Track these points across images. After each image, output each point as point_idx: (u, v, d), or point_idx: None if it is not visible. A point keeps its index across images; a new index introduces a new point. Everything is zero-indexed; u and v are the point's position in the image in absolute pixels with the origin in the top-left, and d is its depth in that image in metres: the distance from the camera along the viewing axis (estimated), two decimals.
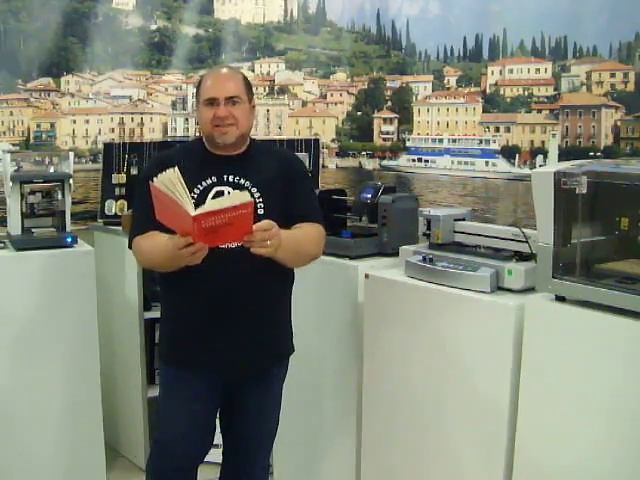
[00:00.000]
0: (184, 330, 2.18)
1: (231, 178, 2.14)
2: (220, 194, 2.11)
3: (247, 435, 2.31)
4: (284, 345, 2.30)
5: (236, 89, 2.12)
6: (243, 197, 1.81)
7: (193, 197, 2.03)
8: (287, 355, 2.32)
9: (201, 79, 2.20)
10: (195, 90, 2.22)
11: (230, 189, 2.11)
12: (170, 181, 1.80)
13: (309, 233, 2.17)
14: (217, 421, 2.36)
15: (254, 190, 2.12)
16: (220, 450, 2.42)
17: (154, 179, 1.83)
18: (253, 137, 2.27)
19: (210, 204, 1.84)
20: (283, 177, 2.17)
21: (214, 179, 2.13)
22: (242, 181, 2.14)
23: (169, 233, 1.94)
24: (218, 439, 2.40)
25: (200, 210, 1.80)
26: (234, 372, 2.19)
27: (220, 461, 2.46)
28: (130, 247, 2.19)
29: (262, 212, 2.10)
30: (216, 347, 2.14)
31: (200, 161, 2.16)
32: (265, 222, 1.93)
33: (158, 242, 2.01)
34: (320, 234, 2.23)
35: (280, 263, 2.09)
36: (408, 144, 4.75)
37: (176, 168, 1.82)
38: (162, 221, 1.93)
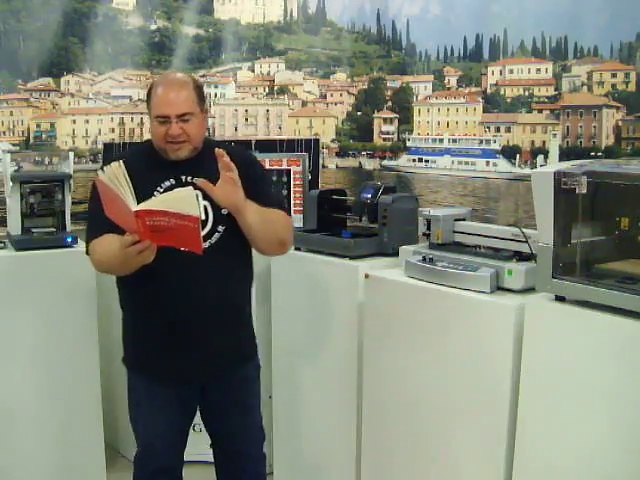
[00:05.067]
0: (148, 340, 2.16)
1: (190, 179, 2.10)
2: None
3: (232, 435, 2.30)
4: (248, 345, 2.30)
5: (188, 105, 2.07)
6: (190, 205, 1.75)
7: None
8: (253, 354, 2.31)
9: (151, 87, 2.13)
10: (146, 97, 2.16)
11: None
12: (114, 175, 1.77)
13: (277, 213, 2.16)
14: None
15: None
16: None
17: (98, 172, 1.80)
18: (206, 137, 2.23)
19: (152, 201, 1.79)
20: (245, 178, 2.12)
21: (172, 181, 2.10)
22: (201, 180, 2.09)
23: (122, 235, 1.89)
24: None
25: (142, 206, 1.76)
26: (199, 379, 2.18)
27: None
28: (87, 253, 2.14)
29: (226, 212, 2.09)
30: (182, 357, 2.12)
31: (155, 164, 2.12)
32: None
33: (110, 244, 1.96)
34: (289, 221, 2.22)
35: (245, 264, 2.14)
36: (408, 144, 4.75)
37: (121, 162, 1.80)
38: (110, 217, 1.89)
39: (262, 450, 2.39)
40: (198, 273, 2.05)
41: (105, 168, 1.80)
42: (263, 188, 2.21)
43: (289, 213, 2.26)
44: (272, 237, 2.16)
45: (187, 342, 2.12)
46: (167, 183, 2.10)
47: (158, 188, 2.09)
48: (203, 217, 2.06)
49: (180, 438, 2.28)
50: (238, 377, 2.25)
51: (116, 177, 1.77)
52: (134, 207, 1.76)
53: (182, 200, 1.77)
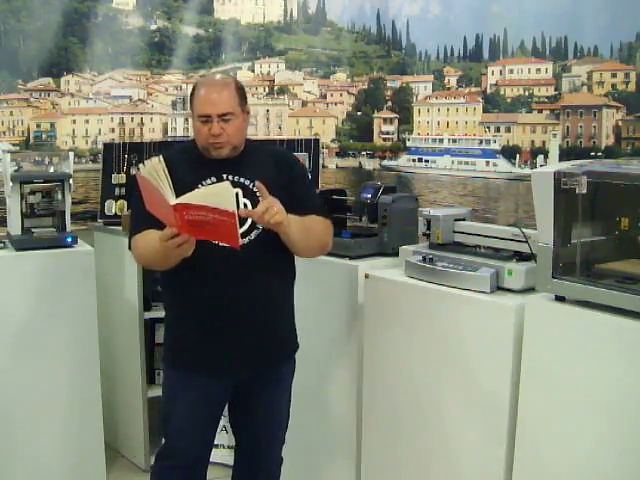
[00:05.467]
0: (189, 334, 2.19)
1: (231, 177, 2.14)
2: None
3: (260, 433, 2.33)
4: (289, 342, 2.32)
5: (228, 105, 2.11)
6: (227, 200, 1.77)
7: None
8: (293, 352, 2.34)
9: (194, 88, 2.19)
10: (189, 97, 2.22)
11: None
12: (154, 169, 1.81)
13: (317, 220, 2.20)
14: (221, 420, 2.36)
15: (256, 189, 2.12)
16: (222, 451, 2.43)
17: (139, 166, 1.85)
18: (248, 138, 2.27)
19: (190, 195, 1.82)
20: (285, 179, 2.17)
21: (214, 179, 2.13)
22: (242, 179, 2.15)
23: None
24: (219, 440, 2.40)
25: (180, 200, 1.79)
26: (241, 373, 2.20)
27: (222, 461, 2.47)
28: (130, 248, 2.20)
29: None
30: (222, 350, 2.15)
31: (198, 162, 2.17)
32: (263, 204, 1.97)
33: (150, 238, 2.01)
34: (328, 224, 2.26)
35: (285, 260, 2.17)
36: (408, 144, 4.74)
37: (160, 157, 1.84)
38: (151, 210, 1.94)
39: (280, 453, 2.41)
40: (238, 269, 2.09)
41: (145, 162, 1.84)
42: (303, 189, 2.26)
43: (327, 215, 2.28)
44: (313, 244, 2.21)
45: (227, 336, 2.14)
46: (209, 181, 2.13)
47: (199, 185, 2.11)
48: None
49: (207, 438, 2.29)
50: (274, 375, 2.28)
51: (155, 171, 1.81)
52: (172, 201, 1.79)
53: (218, 195, 1.79)
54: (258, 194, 2.07)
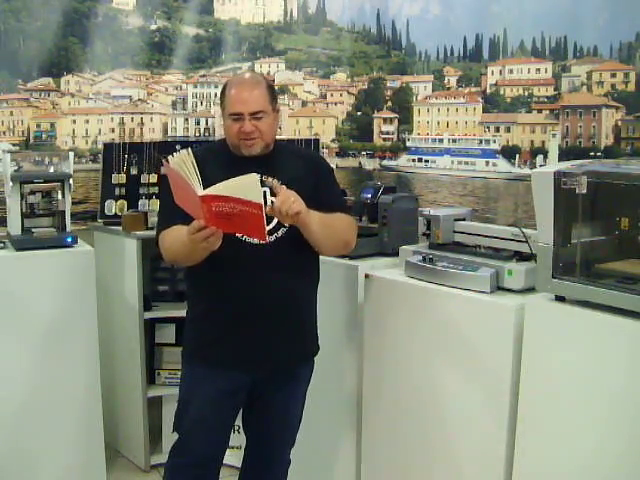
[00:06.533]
0: (210, 329, 2.20)
1: (261, 176, 2.15)
2: None
3: (272, 433, 2.34)
4: (310, 343, 2.33)
5: (260, 103, 2.14)
6: (253, 191, 1.80)
7: None
8: (313, 355, 2.35)
9: (225, 86, 2.20)
10: (220, 96, 2.24)
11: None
12: (182, 161, 1.84)
13: (339, 217, 2.21)
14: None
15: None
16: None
17: (168, 158, 1.86)
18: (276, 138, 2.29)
19: (217, 186, 1.83)
20: (313, 177, 2.21)
21: None
22: (271, 179, 2.16)
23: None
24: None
25: (207, 191, 1.81)
26: (261, 371, 2.20)
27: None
28: (157, 243, 2.22)
29: None
30: (242, 346, 2.16)
31: (227, 161, 2.19)
32: (280, 197, 1.97)
33: (178, 233, 2.03)
34: (351, 221, 2.28)
35: (311, 260, 2.20)
36: (408, 144, 4.74)
37: (189, 149, 1.86)
38: (179, 203, 1.96)
39: (289, 455, 2.41)
40: (264, 266, 2.11)
41: (174, 154, 1.86)
42: (328, 189, 2.28)
43: (351, 213, 2.31)
44: (334, 240, 2.22)
45: (248, 333, 2.15)
46: None
47: None
48: None
49: (220, 436, 2.28)
50: (292, 375, 2.29)
51: (184, 163, 1.83)
52: (200, 192, 1.81)
53: (245, 187, 1.82)
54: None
